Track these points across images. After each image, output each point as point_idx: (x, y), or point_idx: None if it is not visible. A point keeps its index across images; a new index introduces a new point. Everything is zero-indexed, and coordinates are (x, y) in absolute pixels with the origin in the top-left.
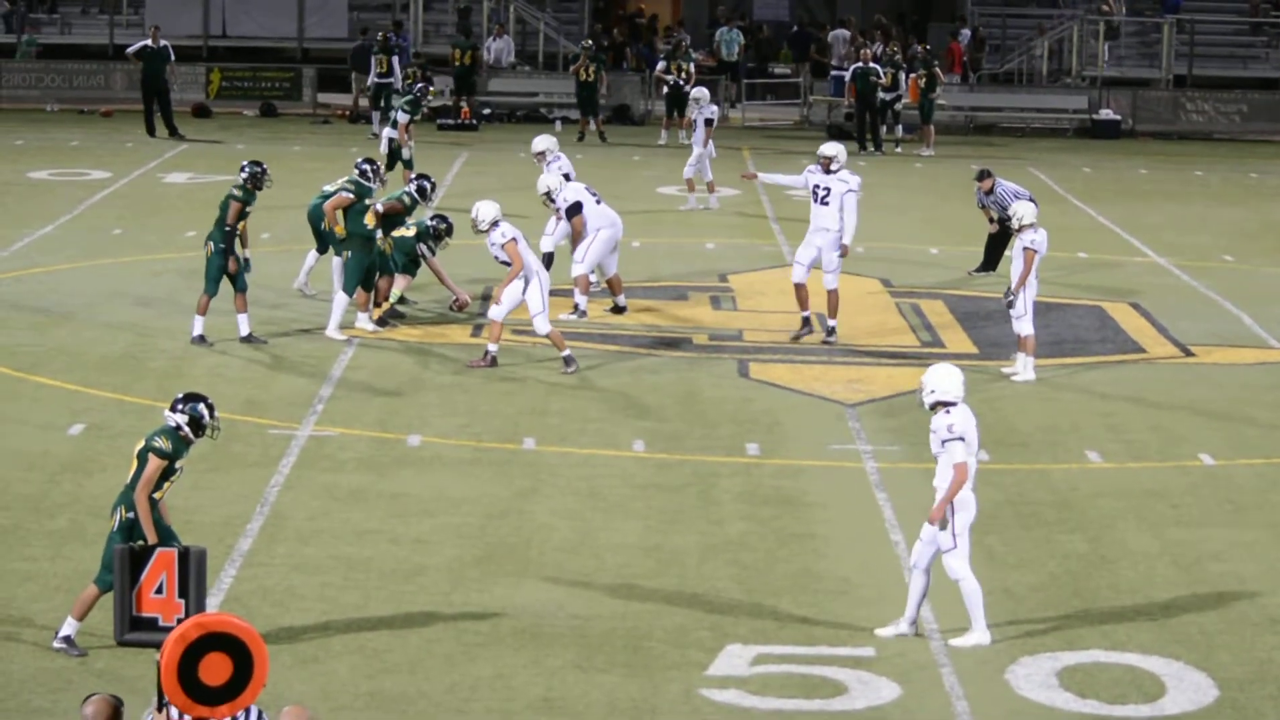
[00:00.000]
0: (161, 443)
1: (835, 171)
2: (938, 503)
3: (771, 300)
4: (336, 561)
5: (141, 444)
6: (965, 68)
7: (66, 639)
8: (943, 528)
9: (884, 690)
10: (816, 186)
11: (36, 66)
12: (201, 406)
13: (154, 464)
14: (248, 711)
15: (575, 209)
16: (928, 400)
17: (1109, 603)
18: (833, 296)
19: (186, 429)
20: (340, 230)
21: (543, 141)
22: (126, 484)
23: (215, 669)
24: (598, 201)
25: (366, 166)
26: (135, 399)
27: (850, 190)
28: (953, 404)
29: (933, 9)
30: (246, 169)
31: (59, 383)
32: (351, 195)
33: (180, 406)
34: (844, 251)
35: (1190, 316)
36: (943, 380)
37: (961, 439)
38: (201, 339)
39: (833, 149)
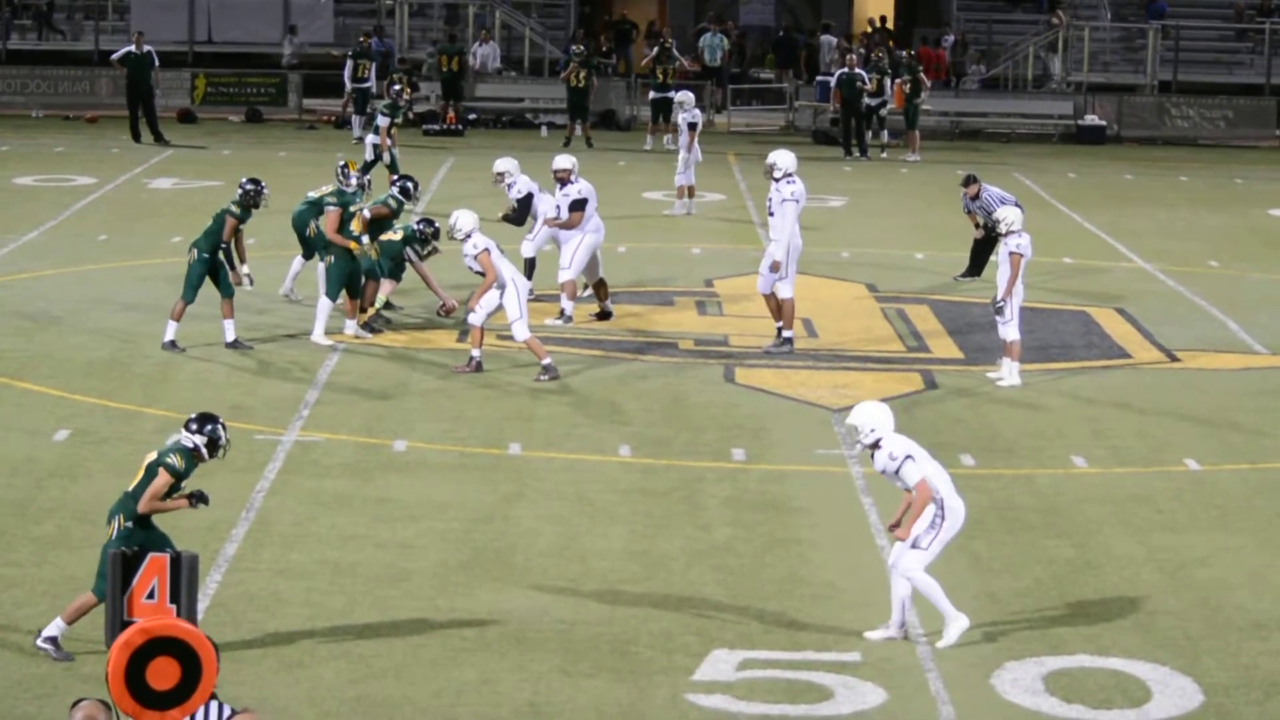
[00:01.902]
0: (175, 460)
1: (778, 180)
2: (905, 522)
3: (757, 305)
4: (322, 566)
5: (153, 456)
6: (948, 72)
7: (51, 640)
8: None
9: (869, 695)
10: (768, 199)
11: (21, 73)
12: (219, 428)
13: (163, 479)
14: (206, 708)
15: (580, 205)
16: (868, 440)
17: (1094, 608)
18: (785, 305)
19: (203, 450)
20: (356, 247)
21: (503, 163)
22: (127, 492)
23: (163, 673)
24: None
25: (337, 168)
26: (121, 404)
27: (785, 200)
28: (882, 438)
29: (918, 15)
30: (244, 187)
31: (44, 388)
32: (338, 207)
33: (197, 428)
34: (773, 267)
35: (1175, 322)
36: (876, 416)
37: (909, 457)
38: (173, 344)
39: (772, 157)
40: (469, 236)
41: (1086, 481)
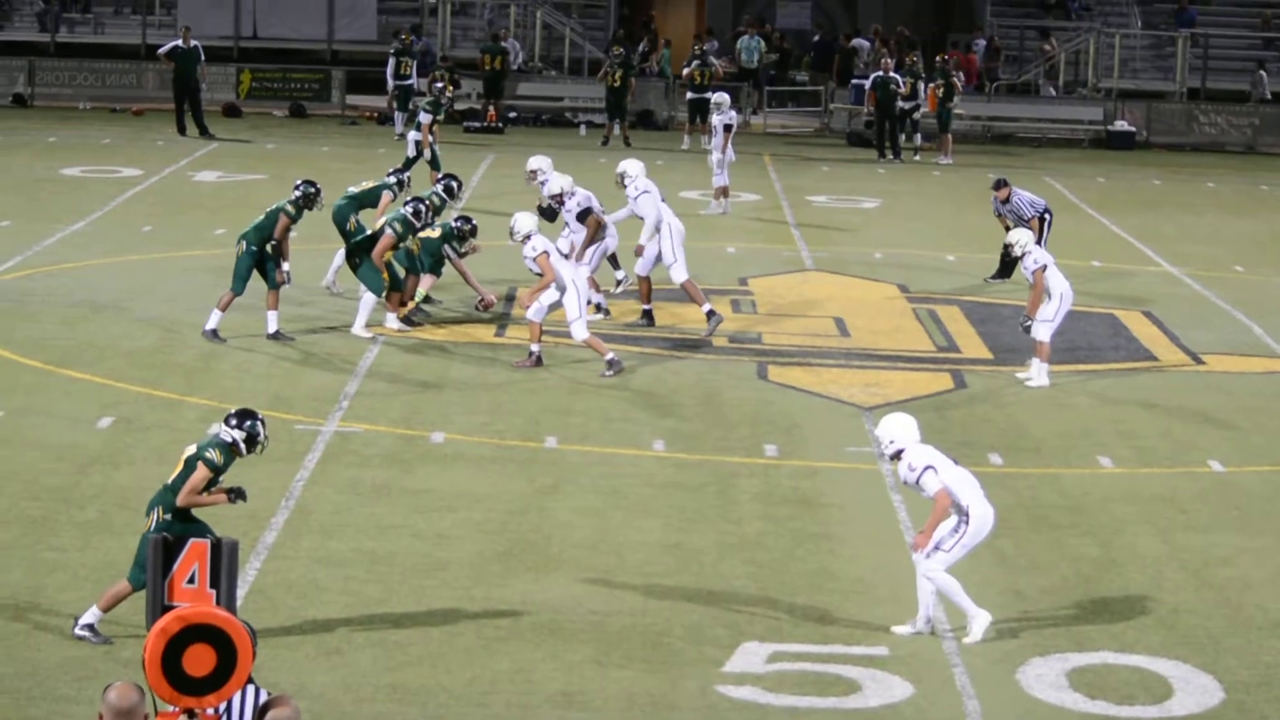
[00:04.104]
0: (214, 455)
1: (627, 186)
2: (924, 531)
3: (791, 304)
4: (360, 555)
5: (192, 450)
6: (981, 77)
7: (89, 627)
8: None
9: (897, 689)
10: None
11: (70, 65)
12: (258, 425)
13: (202, 473)
14: (244, 691)
15: (586, 213)
16: (889, 451)
17: (1118, 606)
18: (643, 283)
19: (241, 445)
20: (387, 277)
21: (537, 161)
22: (166, 485)
23: (199, 660)
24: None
25: (421, 207)
26: (164, 393)
27: (638, 195)
28: (903, 449)
29: (952, 20)
30: (301, 188)
31: (89, 376)
32: (395, 236)
33: (236, 423)
34: (638, 250)
35: (1201, 325)
36: (896, 429)
37: (930, 468)
38: (214, 334)
39: (622, 166)
40: (528, 238)
41: (1112, 481)
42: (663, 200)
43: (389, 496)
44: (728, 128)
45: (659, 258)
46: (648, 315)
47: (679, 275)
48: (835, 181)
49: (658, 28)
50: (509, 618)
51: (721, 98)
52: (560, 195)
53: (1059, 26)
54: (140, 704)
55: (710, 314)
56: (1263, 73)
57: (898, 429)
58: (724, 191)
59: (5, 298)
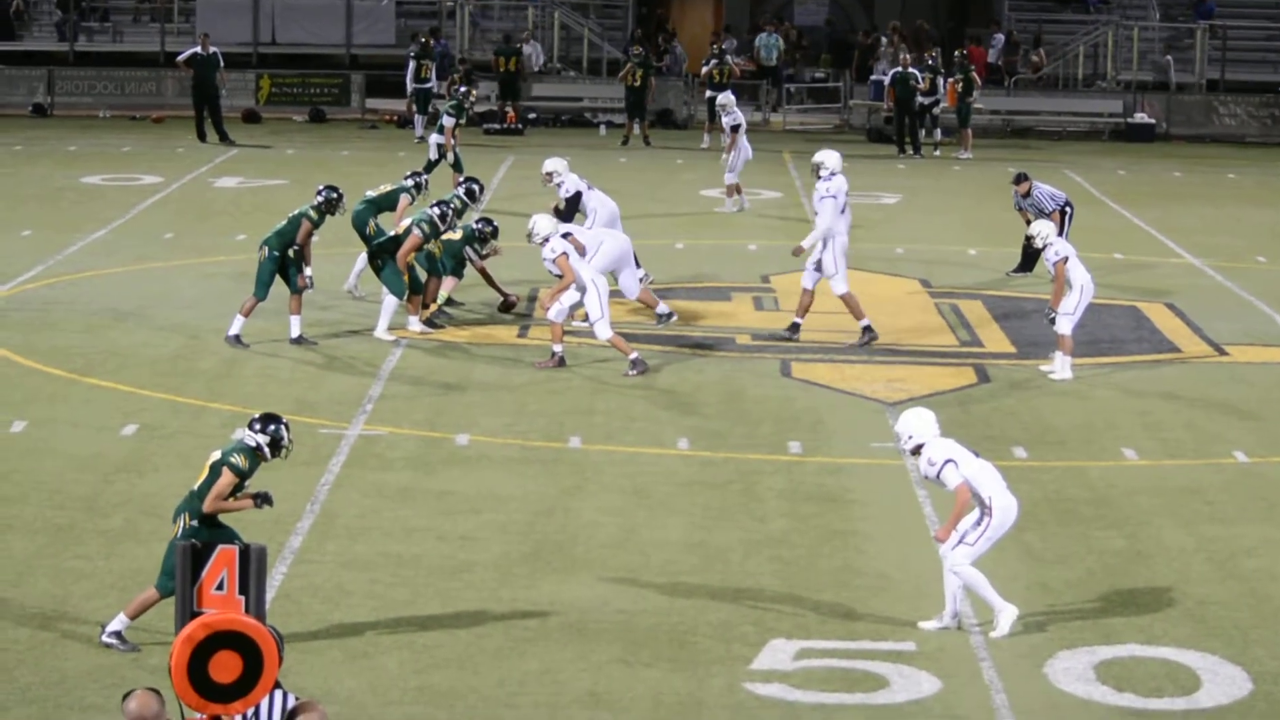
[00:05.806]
0: (239, 460)
1: (821, 177)
2: (945, 524)
3: (814, 301)
4: (386, 558)
5: (217, 456)
6: (993, 71)
7: (116, 634)
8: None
9: (924, 684)
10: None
11: (89, 74)
12: (282, 429)
13: (227, 479)
14: (271, 696)
15: (576, 199)
16: (908, 447)
17: (1145, 598)
18: (847, 300)
19: (266, 450)
20: (407, 278)
21: (552, 163)
22: (192, 491)
23: (226, 667)
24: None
25: (447, 210)
26: (187, 400)
27: (823, 197)
28: (923, 443)
29: (969, 14)
30: (323, 194)
31: (112, 384)
32: (421, 236)
33: (260, 427)
34: (795, 251)
35: (1224, 316)
36: (915, 423)
37: (950, 461)
38: (237, 339)
39: (817, 156)
40: (547, 240)
41: (1137, 473)
42: (843, 211)
43: (414, 499)
44: (734, 128)
45: (819, 266)
46: (795, 327)
47: (839, 287)
48: (855, 177)
49: (674, 26)
50: (536, 618)
51: (726, 98)
52: (549, 175)
53: (1078, 20)
54: (161, 712)
55: (866, 329)
56: (1169, 58)
57: (916, 423)
58: (736, 189)
59: (28, 307)
